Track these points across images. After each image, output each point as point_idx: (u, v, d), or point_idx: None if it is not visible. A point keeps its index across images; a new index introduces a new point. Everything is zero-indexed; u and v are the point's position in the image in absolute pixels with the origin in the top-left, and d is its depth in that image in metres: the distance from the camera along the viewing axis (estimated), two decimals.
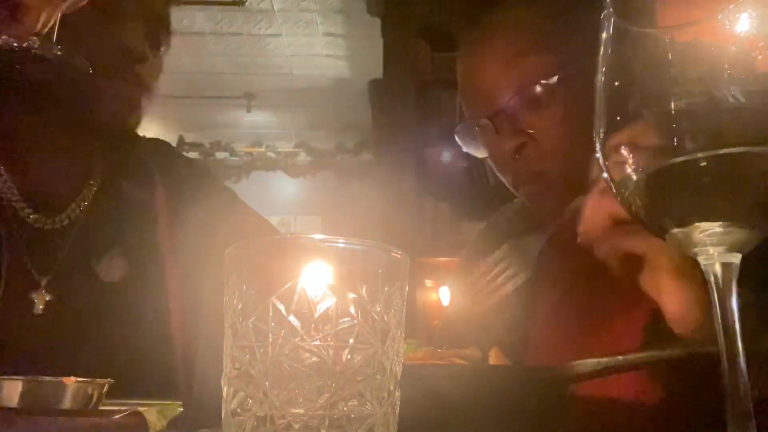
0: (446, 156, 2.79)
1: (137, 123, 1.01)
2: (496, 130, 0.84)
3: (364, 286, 0.40)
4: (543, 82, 0.80)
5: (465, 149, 0.91)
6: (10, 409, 0.51)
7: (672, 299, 0.58)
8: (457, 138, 0.91)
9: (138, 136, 1.07)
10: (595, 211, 0.60)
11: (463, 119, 0.94)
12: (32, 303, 0.92)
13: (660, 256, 0.57)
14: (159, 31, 1.00)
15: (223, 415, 0.41)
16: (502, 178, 0.90)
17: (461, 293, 0.83)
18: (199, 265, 1.09)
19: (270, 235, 1.13)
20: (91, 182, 1.03)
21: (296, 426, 0.38)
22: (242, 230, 1.07)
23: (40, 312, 0.92)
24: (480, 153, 0.90)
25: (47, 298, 0.93)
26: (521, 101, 0.82)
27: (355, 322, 0.40)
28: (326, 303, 0.39)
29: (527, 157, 0.84)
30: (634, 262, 0.59)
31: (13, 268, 0.91)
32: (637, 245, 0.58)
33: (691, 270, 0.55)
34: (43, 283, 0.94)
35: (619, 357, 0.62)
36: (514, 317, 0.85)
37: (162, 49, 1.02)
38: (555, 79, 0.80)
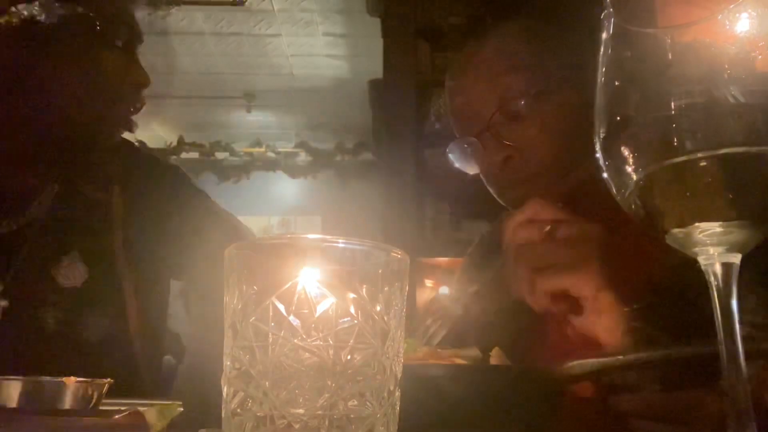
0: (447, 156, 2.78)
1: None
2: (483, 147, 0.91)
3: (364, 286, 0.40)
4: (523, 96, 0.88)
5: (458, 167, 0.97)
6: (10, 409, 0.51)
7: (595, 322, 0.71)
8: (450, 157, 0.97)
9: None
10: (516, 269, 0.74)
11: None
12: None
13: (581, 289, 0.70)
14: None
15: (223, 415, 0.41)
16: (490, 189, 0.96)
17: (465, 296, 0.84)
18: (166, 267, 1.08)
19: (243, 236, 1.09)
20: (50, 185, 0.99)
21: (296, 426, 0.38)
22: (213, 231, 1.04)
23: None
24: (472, 170, 0.96)
25: (3, 305, 0.90)
26: (503, 117, 0.89)
27: (355, 322, 0.40)
28: (326, 303, 0.39)
29: (513, 167, 0.90)
30: (562, 299, 0.72)
31: None
32: (559, 284, 0.71)
33: (606, 297, 0.70)
34: None
35: (619, 357, 0.62)
36: (516, 317, 0.85)
37: None
38: (532, 94, 0.88)
